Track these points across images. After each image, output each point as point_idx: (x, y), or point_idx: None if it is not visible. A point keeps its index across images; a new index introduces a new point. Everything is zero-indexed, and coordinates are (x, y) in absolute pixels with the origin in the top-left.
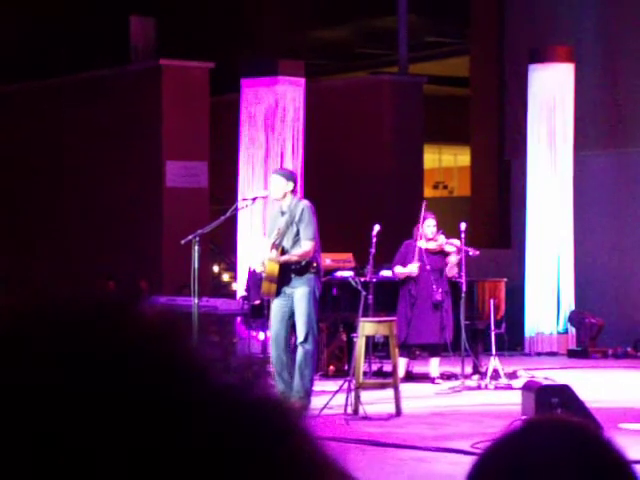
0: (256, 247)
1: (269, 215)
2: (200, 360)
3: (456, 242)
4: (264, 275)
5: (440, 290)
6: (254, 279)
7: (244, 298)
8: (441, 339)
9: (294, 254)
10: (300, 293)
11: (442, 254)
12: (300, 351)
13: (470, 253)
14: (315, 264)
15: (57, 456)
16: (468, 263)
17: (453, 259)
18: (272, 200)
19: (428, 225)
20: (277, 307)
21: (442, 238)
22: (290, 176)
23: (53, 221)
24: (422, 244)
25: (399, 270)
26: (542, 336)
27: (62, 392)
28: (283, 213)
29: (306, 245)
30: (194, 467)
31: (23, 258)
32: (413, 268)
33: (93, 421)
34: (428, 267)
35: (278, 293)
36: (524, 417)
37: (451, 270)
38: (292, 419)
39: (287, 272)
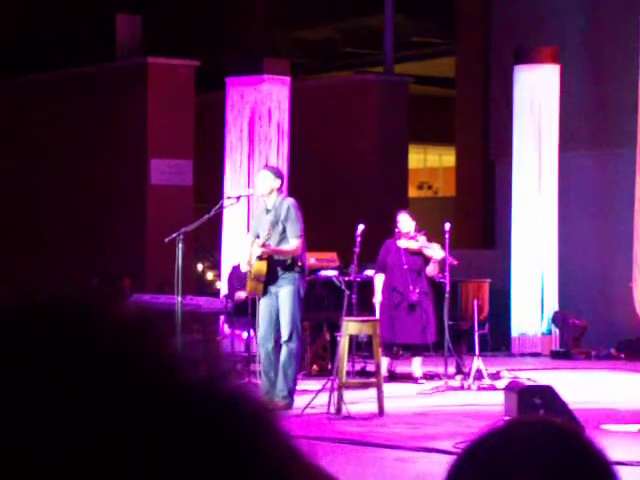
0: (240, 246)
1: (255, 213)
2: (170, 356)
3: (436, 245)
4: (251, 275)
5: (417, 290)
6: (237, 275)
7: (227, 296)
8: (422, 340)
9: (282, 248)
10: (285, 292)
11: (422, 254)
12: (284, 350)
13: (449, 262)
14: (300, 263)
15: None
16: (452, 263)
17: (437, 256)
18: (257, 197)
19: (400, 220)
20: (264, 306)
21: (423, 239)
22: (278, 173)
23: (37, 218)
24: (402, 243)
25: (377, 283)
26: (526, 337)
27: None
28: (268, 211)
29: (293, 242)
30: (159, 461)
31: (5, 255)
32: (377, 299)
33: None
34: (406, 267)
35: (265, 292)
36: (507, 418)
37: (432, 270)
38: (262, 415)
39: (274, 271)
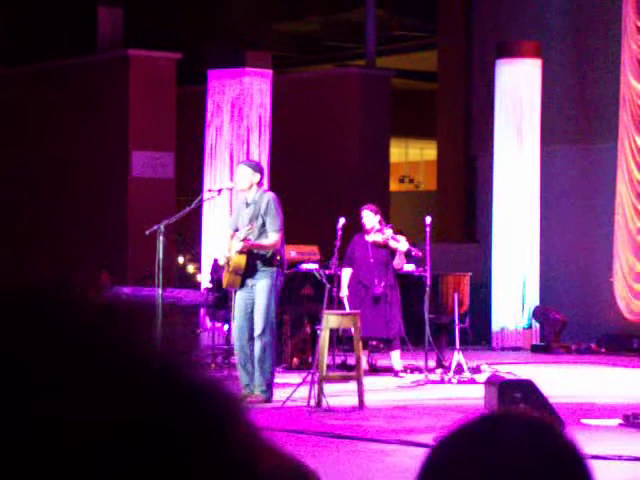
0: (220, 238)
1: (234, 206)
2: (143, 344)
3: (402, 238)
4: (229, 268)
5: (382, 284)
6: (218, 269)
7: (209, 289)
8: (385, 333)
9: (262, 242)
10: (261, 285)
11: (388, 248)
12: (258, 345)
13: (413, 253)
14: (279, 257)
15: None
16: (433, 257)
17: (402, 248)
18: (237, 191)
19: (363, 216)
20: (240, 299)
21: (389, 232)
22: (257, 167)
23: (17, 209)
24: (369, 237)
25: (343, 277)
26: (506, 331)
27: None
28: (248, 205)
29: (273, 236)
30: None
31: None
32: (343, 293)
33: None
34: (372, 260)
35: (242, 285)
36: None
37: (399, 262)
38: (230, 404)
39: (252, 264)
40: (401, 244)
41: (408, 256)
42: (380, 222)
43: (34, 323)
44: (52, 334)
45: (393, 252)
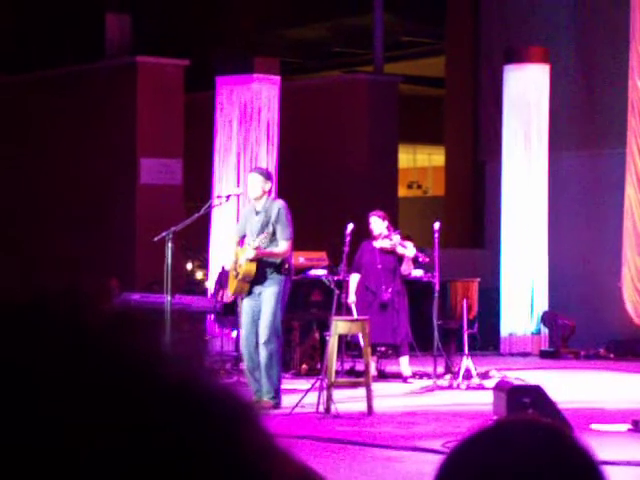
0: (229, 245)
1: (242, 213)
2: (154, 352)
3: (409, 244)
4: (238, 275)
5: (390, 290)
6: (224, 277)
7: (214, 296)
8: (392, 339)
9: (273, 250)
10: (268, 293)
11: (396, 254)
12: (264, 353)
13: (420, 259)
14: (287, 265)
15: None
16: (442, 263)
17: (409, 253)
18: (248, 199)
19: (371, 222)
20: (248, 307)
21: (397, 238)
22: (268, 175)
23: (24, 217)
24: (377, 243)
25: (351, 283)
26: (515, 336)
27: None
28: (257, 213)
29: (283, 245)
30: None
31: None
32: (351, 299)
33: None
34: (379, 266)
35: (249, 293)
36: (495, 417)
37: (406, 268)
38: (244, 410)
39: (262, 272)
40: (408, 250)
41: (415, 262)
42: (388, 228)
43: (42, 332)
44: (60, 342)
45: (401, 258)
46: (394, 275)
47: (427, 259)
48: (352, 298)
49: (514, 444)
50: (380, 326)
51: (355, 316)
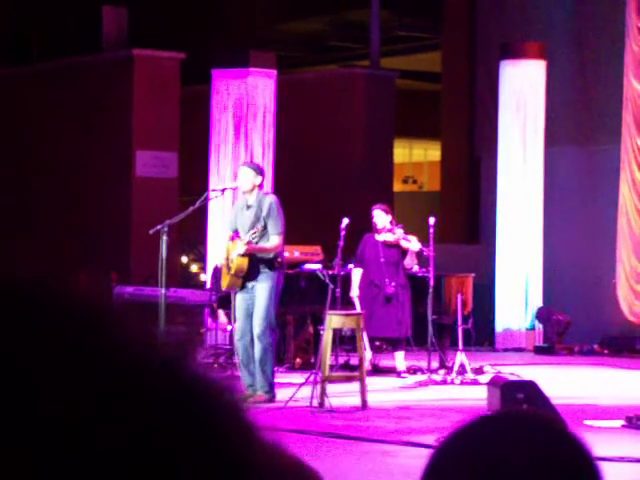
0: (219, 239)
1: (234, 207)
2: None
3: (413, 238)
4: (230, 270)
5: (393, 284)
6: (218, 273)
7: (211, 289)
8: (397, 333)
9: (265, 245)
10: (261, 287)
11: (399, 247)
12: (258, 347)
13: (425, 253)
14: (280, 259)
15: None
16: (437, 258)
17: (414, 247)
18: (241, 192)
19: (375, 215)
20: (240, 301)
21: (400, 232)
22: (259, 169)
23: (22, 209)
24: (380, 237)
25: (354, 277)
26: (509, 332)
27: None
28: (249, 207)
29: (275, 239)
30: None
31: None
32: (354, 293)
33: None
34: (383, 260)
35: (242, 287)
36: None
37: (410, 262)
38: (223, 397)
39: (254, 267)
40: (413, 244)
41: (420, 256)
42: (391, 222)
43: (22, 320)
44: (42, 333)
45: (404, 252)
46: (397, 269)
47: (432, 253)
48: (355, 292)
49: (505, 437)
50: (385, 320)
51: (358, 310)
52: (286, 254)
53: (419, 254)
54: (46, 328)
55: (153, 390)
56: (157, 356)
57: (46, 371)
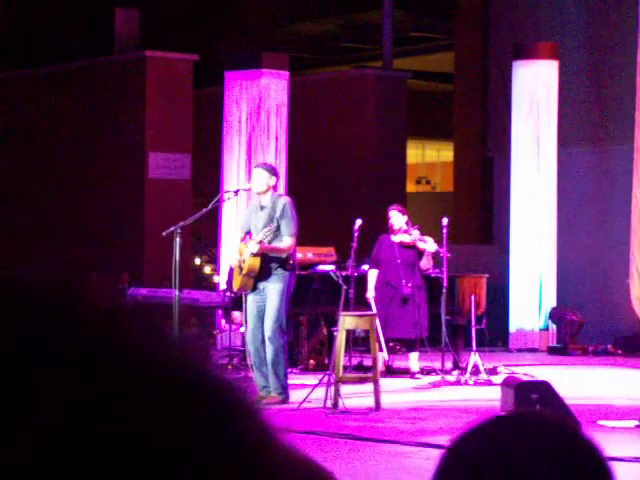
0: (232, 240)
1: (247, 208)
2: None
3: (429, 239)
4: (242, 271)
5: (410, 284)
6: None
7: (225, 291)
8: (414, 334)
9: (277, 245)
10: (273, 289)
11: (415, 248)
12: (270, 349)
13: (441, 254)
14: (292, 261)
15: None
16: (449, 258)
17: (430, 248)
18: (254, 193)
19: (391, 216)
20: (252, 302)
21: (416, 233)
22: (273, 171)
23: (35, 211)
24: (396, 238)
25: (370, 279)
26: (523, 332)
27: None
28: (262, 208)
29: (288, 240)
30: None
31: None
32: (370, 294)
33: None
34: (399, 261)
35: (254, 288)
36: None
37: (426, 263)
38: (237, 398)
39: (266, 267)
40: (429, 245)
41: (433, 257)
42: (407, 223)
43: (33, 322)
44: (53, 334)
45: (420, 253)
46: (413, 269)
47: (449, 254)
48: (371, 293)
49: (517, 438)
50: (401, 321)
51: (374, 311)
52: (299, 255)
53: (434, 255)
54: (46, 328)
55: (159, 390)
56: (167, 356)
57: (46, 371)
